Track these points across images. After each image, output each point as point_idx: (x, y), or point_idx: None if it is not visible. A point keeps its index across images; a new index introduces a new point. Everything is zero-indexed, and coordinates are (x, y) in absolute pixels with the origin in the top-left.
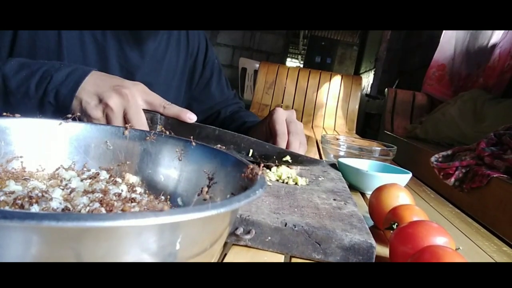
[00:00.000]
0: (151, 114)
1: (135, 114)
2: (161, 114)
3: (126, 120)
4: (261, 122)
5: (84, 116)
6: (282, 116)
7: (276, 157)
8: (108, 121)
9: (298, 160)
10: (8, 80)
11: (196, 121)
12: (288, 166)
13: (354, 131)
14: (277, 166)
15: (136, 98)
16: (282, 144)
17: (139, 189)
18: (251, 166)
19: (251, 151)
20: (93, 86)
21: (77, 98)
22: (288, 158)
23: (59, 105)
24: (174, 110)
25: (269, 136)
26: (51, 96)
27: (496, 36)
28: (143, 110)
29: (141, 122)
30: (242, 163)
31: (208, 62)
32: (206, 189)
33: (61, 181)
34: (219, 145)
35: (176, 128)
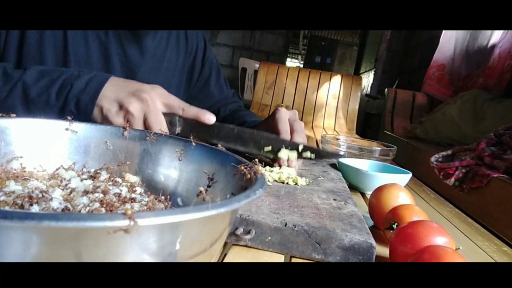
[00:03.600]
0: (170, 116)
1: (155, 118)
2: (180, 117)
3: (146, 124)
4: (264, 122)
5: (105, 123)
6: (285, 115)
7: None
8: (130, 126)
9: (319, 154)
10: (29, 89)
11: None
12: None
13: (354, 131)
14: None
15: (156, 102)
16: None
17: (139, 189)
18: (247, 164)
19: (270, 147)
20: (113, 92)
21: (98, 106)
22: (308, 154)
23: (80, 112)
24: (193, 111)
25: None
26: (72, 105)
27: (496, 36)
28: (163, 113)
29: (161, 125)
30: (242, 163)
31: (207, 61)
32: (206, 189)
33: (61, 181)
34: (220, 145)
35: (195, 128)
